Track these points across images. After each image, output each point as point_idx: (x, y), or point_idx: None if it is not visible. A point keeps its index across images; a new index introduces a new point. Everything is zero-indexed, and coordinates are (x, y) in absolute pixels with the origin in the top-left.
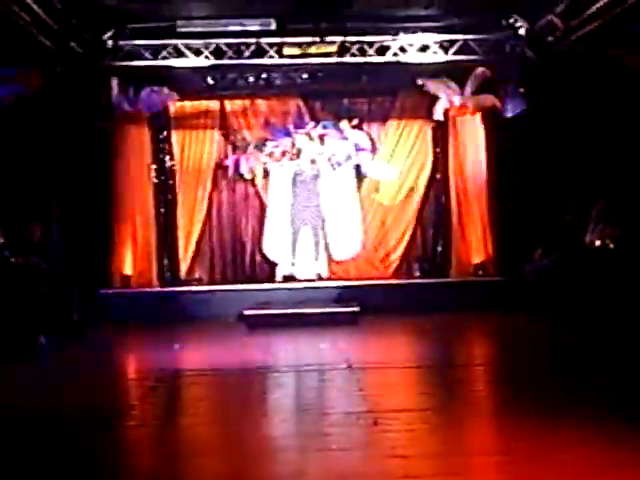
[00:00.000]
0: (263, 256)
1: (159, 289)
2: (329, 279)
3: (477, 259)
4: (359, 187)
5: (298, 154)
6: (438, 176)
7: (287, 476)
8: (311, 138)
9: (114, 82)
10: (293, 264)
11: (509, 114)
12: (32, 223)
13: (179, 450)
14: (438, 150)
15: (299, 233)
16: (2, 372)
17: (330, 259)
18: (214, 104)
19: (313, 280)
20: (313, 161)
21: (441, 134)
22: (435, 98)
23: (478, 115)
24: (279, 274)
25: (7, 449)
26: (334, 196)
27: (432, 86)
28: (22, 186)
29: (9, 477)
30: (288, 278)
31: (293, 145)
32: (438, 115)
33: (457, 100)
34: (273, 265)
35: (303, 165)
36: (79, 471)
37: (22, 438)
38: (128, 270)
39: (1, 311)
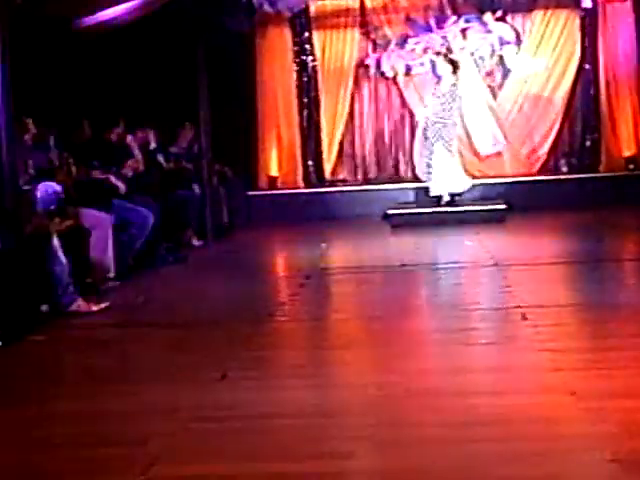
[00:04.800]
0: (406, 156)
1: (305, 190)
2: (474, 177)
3: (628, 152)
4: (504, 81)
5: (440, 52)
6: (587, 67)
7: (435, 370)
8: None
9: None
10: (430, 177)
11: None
12: (182, 129)
13: (327, 343)
14: (587, 40)
15: (434, 147)
16: (156, 271)
17: (475, 155)
18: (354, 2)
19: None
20: (453, 62)
21: (590, 23)
22: None
23: (628, 2)
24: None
25: (163, 346)
26: (478, 91)
27: None
28: (172, 92)
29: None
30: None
31: (436, 41)
32: (586, 3)
33: None
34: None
35: (442, 66)
36: (229, 364)
37: (175, 334)
38: (274, 172)
39: (155, 214)
